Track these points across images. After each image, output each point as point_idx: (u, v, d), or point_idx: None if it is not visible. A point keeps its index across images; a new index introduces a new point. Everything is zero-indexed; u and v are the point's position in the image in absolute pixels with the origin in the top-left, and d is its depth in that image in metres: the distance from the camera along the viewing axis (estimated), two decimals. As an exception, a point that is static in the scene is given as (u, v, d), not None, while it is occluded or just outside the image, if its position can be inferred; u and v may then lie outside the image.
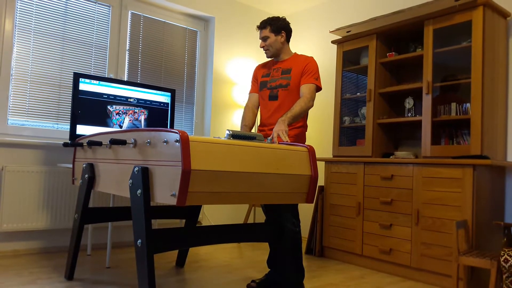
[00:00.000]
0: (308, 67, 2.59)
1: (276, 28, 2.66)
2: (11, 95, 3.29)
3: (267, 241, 2.37)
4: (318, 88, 2.59)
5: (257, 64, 2.96)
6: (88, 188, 2.49)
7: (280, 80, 2.62)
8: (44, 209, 3.26)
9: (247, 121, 2.72)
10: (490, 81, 2.91)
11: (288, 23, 2.70)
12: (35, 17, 3.41)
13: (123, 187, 2.07)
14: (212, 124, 4.39)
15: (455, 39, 3.13)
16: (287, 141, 2.19)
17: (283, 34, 2.67)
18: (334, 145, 3.74)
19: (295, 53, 2.74)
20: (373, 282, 2.90)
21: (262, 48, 2.72)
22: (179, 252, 3.09)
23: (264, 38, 2.67)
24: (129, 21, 3.95)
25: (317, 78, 2.60)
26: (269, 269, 2.73)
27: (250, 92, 2.83)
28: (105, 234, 3.59)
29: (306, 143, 2.62)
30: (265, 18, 2.74)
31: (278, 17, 2.69)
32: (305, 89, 2.54)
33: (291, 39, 2.78)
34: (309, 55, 2.73)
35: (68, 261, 2.61)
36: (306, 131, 2.69)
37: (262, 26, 2.68)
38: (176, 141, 1.70)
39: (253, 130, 3.66)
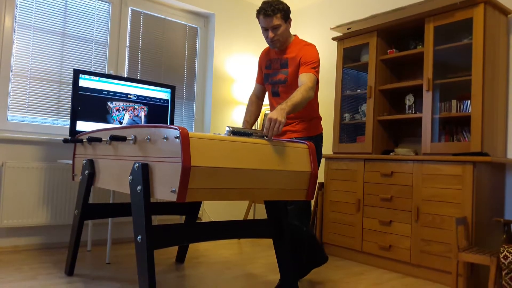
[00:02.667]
0: (306, 57, 2.35)
1: (286, 14, 2.34)
2: (11, 91, 3.29)
3: (267, 237, 2.37)
4: (317, 80, 2.37)
5: (258, 59, 2.78)
6: (88, 184, 2.49)
7: (280, 75, 2.49)
8: (44, 205, 3.26)
9: (249, 117, 2.64)
10: (491, 79, 2.90)
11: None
12: (35, 13, 3.40)
13: (123, 183, 2.07)
14: (212, 120, 4.39)
15: (455, 36, 3.12)
16: (277, 134, 2.04)
17: (290, 20, 2.39)
18: (334, 141, 3.74)
19: (295, 36, 2.50)
20: (373, 278, 2.90)
21: (268, 40, 2.39)
22: (179, 248, 3.10)
23: (275, 28, 2.32)
24: (129, 17, 3.94)
25: (315, 68, 2.35)
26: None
27: (256, 82, 2.69)
28: (105, 230, 3.60)
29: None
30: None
31: (281, 0, 2.36)
32: (306, 77, 2.29)
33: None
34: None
35: (68, 257, 2.61)
36: (321, 119, 2.61)
37: (272, 12, 2.28)
38: (176, 137, 1.70)
39: (258, 121, 3.62)
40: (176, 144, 1.70)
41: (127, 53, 3.92)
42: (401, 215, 3.08)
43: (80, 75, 3.19)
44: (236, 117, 4.60)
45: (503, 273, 2.35)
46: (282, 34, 2.38)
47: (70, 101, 3.53)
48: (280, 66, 2.49)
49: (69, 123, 3.49)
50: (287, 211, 2.39)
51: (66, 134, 3.49)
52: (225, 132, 1.98)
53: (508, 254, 2.31)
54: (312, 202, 4.07)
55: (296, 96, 2.17)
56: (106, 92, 3.31)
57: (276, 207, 2.30)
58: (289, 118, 2.49)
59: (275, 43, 2.42)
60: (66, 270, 2.63)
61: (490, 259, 2.37)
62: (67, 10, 3.58)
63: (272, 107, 2.61)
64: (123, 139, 2.02)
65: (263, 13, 2.33)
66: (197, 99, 4.44)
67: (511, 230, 2.66)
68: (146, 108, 3.54)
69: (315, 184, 2.14)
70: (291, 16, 2.47)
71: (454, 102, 3.05)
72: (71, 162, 3.13)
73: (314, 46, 2.46)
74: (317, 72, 2.38)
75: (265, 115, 4.53)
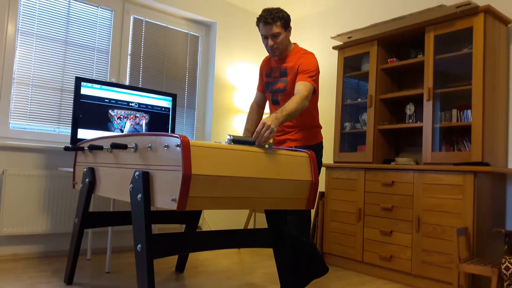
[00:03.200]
0: (303, 66, 2.35)
1: (286, 22, 2.35)
2: (13, 99, 3.30)
3: (268, 247, 2.36)
4: (314, 89, 2.36)
5: (259, 67, 2.80)
6: (88, 192, 2.49)
7: (279, 84, 2.49)
8: (44, 213, 3.26)
9: (250, 125, 2.63)
10: (491, 88, 2.91)
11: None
12: (37, 21, 3.43)
13: (124, 191, 2.07)
14: (213, 129, 4.39)
15: (456, 45, 3.14)
16: (268, 144, 2.04)
17: (290, 28, 2.40)
18: (335, 151, 3.74)
19: (295, 45, 2.50)
20: (374, 288, 2.89)
21: (268, 48, 2.40)
22: (179, 257, 3.08)
23: (274, 35, 2.33)
24: (131, 25, 3.97)
25: (313, 76, 2.34)
26: None
27: (257, 90, 2.71)
28: (105, 239, 3.59)
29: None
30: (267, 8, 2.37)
31: (280, 8, 2.38)
32: (301, 86, 2.28)
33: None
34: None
35: (68, 265, 2.60)
36: (321, 128, 2.60)
37: (272, 20, 2.30)
38: (177, 145, 1.70)
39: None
40: (177, 152, 1.70)
41: (128, 61, 3.94)
42: (402, 225, 3.06)
43: (82, 83, 3.20)
44: (237, 126, 4.61)
45: (505, 284, 2.34)
46: (282, 42, 2.39)
47: (71, 109, 3.54)
48: (280, 74, 2.50)
49: (70, 131, 3.50)
50: (286, 221, 2.38)
51: (67, 142, 3.49)
52: (226, 140, 1.98)
53: (509, 265, 2.30)
54: (313, 211, 4.07)
55: (291, 105, 2.17)
56: (107, 100, 3.32)
57: (277, 216, 2.29)
58: (289, 127, 2.50)
59: (275, 51, 2.43)
60: (66, 278, 2.61)
61: (492, 270, 2.35)
62: (70, 18, 3.60)
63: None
64: (124, 147, 2.03)
65: (263, 21, 2.34)
66: (198, 107, 4.45)
67: (512, 240, 2.65)
68: (147, 116, 3.55)
69: (316, 193, 2.14)
70: (292, 24, 2.48)
71: (454, 111, 3.05)
72: (71, 170, 3.12)
73: (313, 54, 2.46)
74: (315, 80, 2.37)
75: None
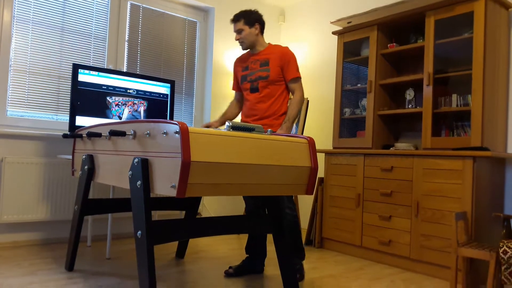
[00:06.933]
0: (288, 60, 2.68)
1: (250, 20, 2.73)
2: (10, 86, 3.27)
3: (267, 233, 2.38)
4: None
5: None
6: (88, 179, 2.49)
7: (259, 73, 2.71)
8: (44, 201, 3.26)
9: (227, 111, 2.94)
10: (491, 73, 2.89)
11: (261, 16, 2.77)
12: (33, 7, 3.38)
13: (123, 178, 2.07)
14: (211, 115, 4.38)
15: (456, 30, 3.11)
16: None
17: (257, 26, 2.74)
18: (334, 136, 3.74)
19: (269, 43, 2.81)
20: (372, 273, 2.91)
21: (237, 41, 2.78)
22: (179, 244, 3.10)
23: (238, 31, 2.73)
24: (128, 11, 3.92)
25: (298, 69, 2.72)
26: (247, 255, 2.81)
27: (234, 90, 2.96)
28: (105, 226, 3.60)
29: (306, 135, 2.67)
30: (240, 11, 2.83)
31: (251, 10, 2.79)
32: (295, 85, 2.69)
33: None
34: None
35: (68, 252, 2.62)
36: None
37: (235, 19, 2.75)
38: (176, 132, 1.69)
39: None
40: (175, 139, 1.69)
41: (126, 47, 3.90)
42: (401, 210, 3.08)
43: (79, 69, 3.17)
44: (236, 112, 4.59)
45: (502, 268, 2.36)
46: (245, 37, 2.72)
47: (69, 96, 3.51)
48: (260, 65, 2.73)
49: (68, 118, 3.48)
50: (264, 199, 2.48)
51: (65, 129, 3.48)
52: (225, 127, 1.98)
53: (507, 249, 2.32)
54: (312, 197, 4.08)
55: (292, 111, 2.63)
56: (105, 87, 3.30)
57: (276, 203, 2.30)
58: (258, 115, 2.71)
59: (241, 44, 2.77)
60: (66, 265, 2.63)
61: (490, 254, 2.37)
62: (66, 4, 3.56)
63: (247, 102, 2.78)
64: (122, 134, 2.02)
65: (231, 20, 2.77)
66: (196, 94, 4.42)
67: (510, 225, 2.66)
68: (145, 103, 3.53)
69: (315, 179, 2.14)
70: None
71: (454, 96, 3.04)
72: (70, 157, 3.12)
73: (288, 47, 2.77)
74: (298, 69, 2.74)
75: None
